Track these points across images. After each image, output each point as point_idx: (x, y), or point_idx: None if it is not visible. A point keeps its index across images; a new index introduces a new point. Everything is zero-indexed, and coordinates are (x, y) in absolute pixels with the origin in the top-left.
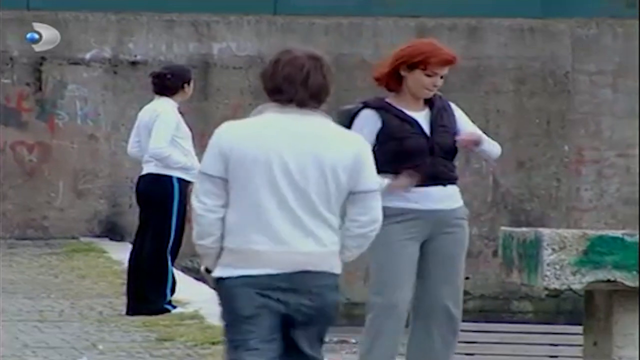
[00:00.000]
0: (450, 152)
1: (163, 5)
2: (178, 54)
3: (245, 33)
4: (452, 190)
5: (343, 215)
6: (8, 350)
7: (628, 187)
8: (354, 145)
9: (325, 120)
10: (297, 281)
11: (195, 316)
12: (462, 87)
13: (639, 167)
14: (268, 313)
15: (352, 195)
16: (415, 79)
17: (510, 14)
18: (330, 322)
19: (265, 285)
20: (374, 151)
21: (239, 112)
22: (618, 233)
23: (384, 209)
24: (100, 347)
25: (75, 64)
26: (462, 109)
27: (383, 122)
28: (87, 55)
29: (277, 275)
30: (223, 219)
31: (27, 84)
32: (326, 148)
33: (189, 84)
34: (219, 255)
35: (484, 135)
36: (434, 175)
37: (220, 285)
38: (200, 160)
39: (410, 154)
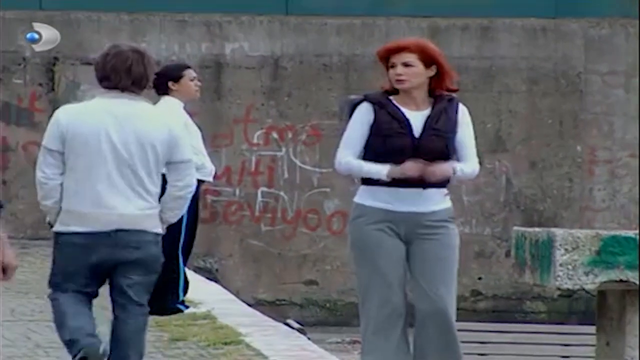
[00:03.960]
0: (440, 156)
1: (175, 6)
2: (190, 55)
3: (258, 33)
4: (433, 193)
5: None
6: (20, 350)
7: None
8: (168, 123)
9: (145, 104)
10: (120, 238)
11: (208, 316)
12: (475, 87)
13: (639, 166)
14: (93, 266)
15: (169, 165)
16: (389, 74)
17: (522, 14)
18: (153, 272)
19: (91, 241)
20: (366, 145)
21: (252, 112)
22: (631, 233)
23: (360, 207)
24: None
25: (88, 64)
26: (475, 109)
27: (375, 117)
28: None
29: (101, 232)
30: (62, 184)
31: (40, 85)
32: (145, 126)
33: (176, 81)
34: (59, 214)
35: (451, 169)
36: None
37: (56, 237)
38: (212, 159)
39: (391, 153)
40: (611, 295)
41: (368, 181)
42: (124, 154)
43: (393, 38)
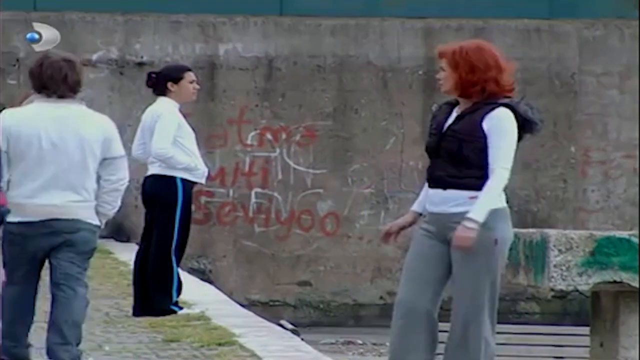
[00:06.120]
0: (453, 158)
1: (169, 7)
2: (184, 55)
3: (252, 34)
4: (453, 195)
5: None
6: None
7: (635, 188)
8: (103, 123)
9: (80, 106)
10: (53, 225)
11: (202, 317)
12: None
13: (639, 166)
14: (30, 254)
15: (104, 161)
16: None
17: (516, 14)
18: (87, 256)
19: (27, 230)
20: None
21: (246, 113)
22: (625, 234)
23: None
24: (107, 348)
25: (83, 65)
26: None
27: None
28: (94, 57)
29: (36, 222)
30: (8, 181)
31: None
32: (82, 126)
33: (175, 82)
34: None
35: (469, 231)
36: (431, 178)
37: (5, 226)
38: (206, 161)
39: (427, 153)
40: (605, 296)
41: None
42: (62, 152)
43: (387, 39)
